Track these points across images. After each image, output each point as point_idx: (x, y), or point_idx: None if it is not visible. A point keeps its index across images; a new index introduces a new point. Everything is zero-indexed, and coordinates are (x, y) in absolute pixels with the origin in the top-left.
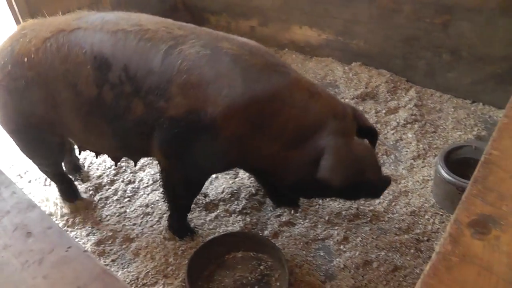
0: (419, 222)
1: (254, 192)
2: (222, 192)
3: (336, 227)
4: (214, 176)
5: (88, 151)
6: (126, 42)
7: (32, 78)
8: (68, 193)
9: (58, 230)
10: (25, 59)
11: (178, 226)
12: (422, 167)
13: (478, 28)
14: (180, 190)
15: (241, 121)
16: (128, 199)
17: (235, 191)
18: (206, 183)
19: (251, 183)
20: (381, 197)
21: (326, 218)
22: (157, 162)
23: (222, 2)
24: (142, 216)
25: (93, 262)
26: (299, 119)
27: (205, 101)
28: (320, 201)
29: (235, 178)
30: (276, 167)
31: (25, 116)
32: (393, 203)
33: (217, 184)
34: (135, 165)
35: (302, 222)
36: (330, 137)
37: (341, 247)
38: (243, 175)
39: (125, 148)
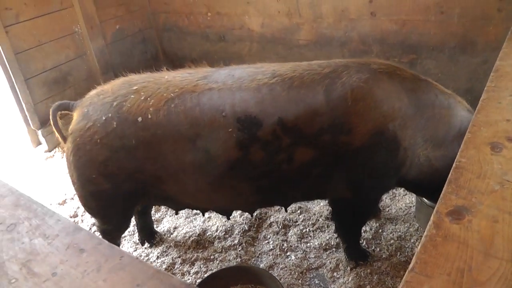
0: (406, 246)
1: (247, 228)
2: (217, 230)
3: (328, 256)
4: (207, 215)
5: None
6: (273, 95)
7: (144, 138)
8: None
9: (108, 245)
10: (139, 119)
11: (359, 252)
12: (403, 195)
13: (442, 65)
14: (363, 217)
15: (412, 129)
16: None
17: (228, 229)
18: (201, 223)
19: (243, 220)
20: (368, 225)
21: (317, 248)
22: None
23: (200, 50)
24: None
25: (147, 265)
26: (444, 117)
27: (385, 119)
28: (311, 233)
29: None
30: (425, 173)
31: (128, 172)
32: (380, 230)
33: (211, 223)
34: (286, 210)
35: (295, 254)
36: None
37: (335, 274)
38: (235, 213)
39: (270, 200)
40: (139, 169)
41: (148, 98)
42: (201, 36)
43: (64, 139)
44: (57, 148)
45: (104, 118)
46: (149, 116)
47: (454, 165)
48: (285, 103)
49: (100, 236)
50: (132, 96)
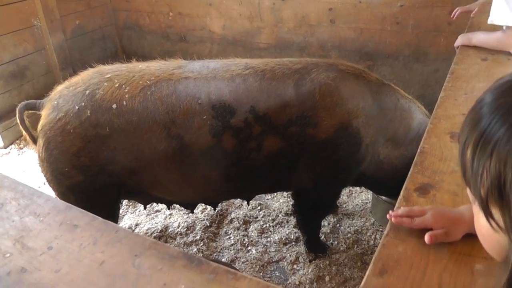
0: (363, 239)
1: (208, 224)
2: (178, 226)
3: (288, 250)
4: (168, 212)
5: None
6: (246, 85)
7: (119, 126)
8: None
9: (102, 221)
10: (114, 106)
11: (319, 245)
12: (360, 192)
13: (396, 71)
14: (323, 209)
15: (375, 128)
16: None
17: (190, 225)
18: (163, 219)
19: (204, 216)
20: (326, 220)
21: (277, 243)
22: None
23: (161, 49)
24: None
25: (143, 238)
26: (405, 119)
27: (349, 116)
28: (272, 228)
29: (188, 214)
30: (385, 170)
31: (100, 164)
32: (338, 224)
33: (173, 220)
34: (248, 204)
35: (256, 248)
36: None
37: (295, 266)
38: (196, 209)
39: (237, 190)
40: (112, 160)
41: (123, 86)
42: (161, 35)
43: (34, 139)
44: (13, 145)
45: (77, 107)
46: (124, 103)
47: (418, 150)
48: (257, 93)
49: None
50: (105, 84)
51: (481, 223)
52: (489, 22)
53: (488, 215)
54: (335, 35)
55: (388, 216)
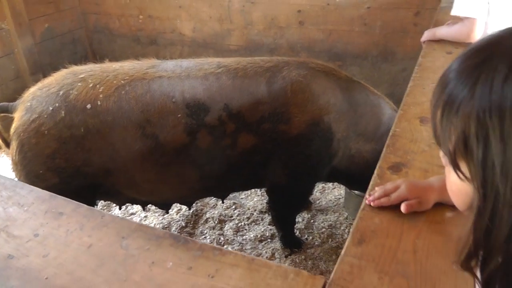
0: (337, 233)
1: (184, 224)
2: (154, 226)
3: (263, 247)
4: (143, 215)
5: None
6: (220, 83)
7: (94, 126)
8: None
9: (88, 208)
10: (89, 106)
11: (294, 240)
12: (332, 189)
13: (365, 71)
14: (297, 204)
15: (346, 123)
16: None
17: (165, 226)
18: (138, 221)
19: (180, 217)
20: (300, 216)
21: (253, 240)
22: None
23: (131, 52)
24: None
25: (129, 221)
26: (375, 115)
27: (321, 111)
28: (247, 226)
29: (164, 215)
30: (357, 164)
31: (75, 165)
32: (312, 220)
33: (148, 222)
34: (223, 202)
35: (232, 246)
36: None
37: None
38: (171, 210)
39: (212, 187)
40: (87, 161)
41: (97, 85)
42: (132, 39)
43: (6, 143)
44: None
45: (51, 108)
46: (99, 103)
47: (390, 134)
48: (231, 91)
49: None
50: (79, 84)
51: (451, 181)
52: (452, 13)
53: (456, 168)
54: (304, 37)
55: (366, 201)
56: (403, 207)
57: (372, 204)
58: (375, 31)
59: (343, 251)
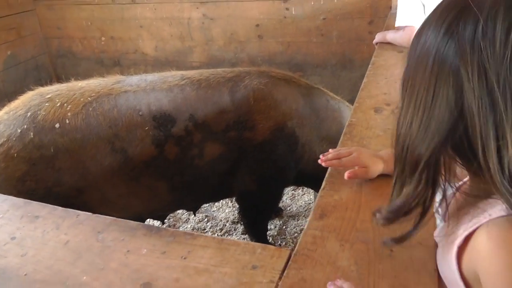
0: None
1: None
2: None
3: None
4: None
5: None
6: (184, 94)
7: (63, 145)
8: None
9: (63, 209)
10: (57, 125)
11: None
12: (302, 195)
13: (326, 80)
14: (268, 210)
15: (309, 128)
16: None
17: None
18: None
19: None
20: (272, 223)
21: None
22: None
23: (96, 75)
24: None
25: (104, 217)
26: (336, 119)
27: (284, 117)
28: (221, 231)
29: None
30: (322, 167)
31: (47, 186)
32: (284, 226)
33: None
34: (194, 214)
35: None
36: None
37: None
38: None
39: (183, 199)
40: (58, 181)
41: (65, 104)
42: (95, 61)
43: None
44: None
45: (19, 130)
46: (67, 121)
47: (347, 124)
48: (195, 102)
49: None
50: (46, 104)
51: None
52: (396, 25)
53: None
54: (264, 50)
55: (319, 161)
56: (346, 174)
57: (324, 164)
58: (332, 41)
59: (305, 226)
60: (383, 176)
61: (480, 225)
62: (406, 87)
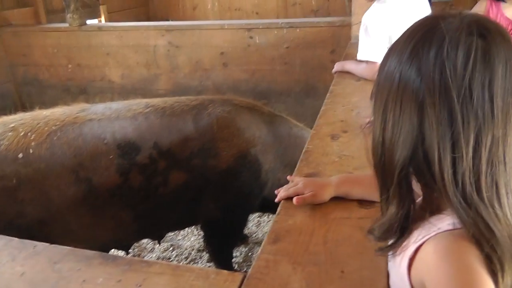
0: None
1: None
2: None
3: None
4: None
5: None
6: (149, 122)
7: (26, 175)
8: None
9: (19, 240)
10: (20, 155)
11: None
12: (268, 221)
13: (290, 107)
14: (233, 237)
15: (272, 155)
16: None
17: None
18: None
19: None
20: (238, 250)
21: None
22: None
23: (62, 103)
24: None
25: (62, 247)
26: (299, 146)
27: (247, 144)
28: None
29: None
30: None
31: (8, 219)
32: (249, 253)
33: None
34: (159, 243)
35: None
36: None
37: None
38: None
39: (148, 228)
40: (20, 213)
41: (29, 134)
42: (62, 89)
43: None
44: None
45: None
46: (31, 151)
47: (303, 150)
48: (159, 129)
49: None
50: (9, 133)
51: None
52: (358, 58)
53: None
54: (229, 77)
55: (276, 200)
56: (294, 200)
57: (276, 200)
58: (296, 69)
59: (259, 251)
60: (336, 199)
61: (429, 238)
62: (377, 104)
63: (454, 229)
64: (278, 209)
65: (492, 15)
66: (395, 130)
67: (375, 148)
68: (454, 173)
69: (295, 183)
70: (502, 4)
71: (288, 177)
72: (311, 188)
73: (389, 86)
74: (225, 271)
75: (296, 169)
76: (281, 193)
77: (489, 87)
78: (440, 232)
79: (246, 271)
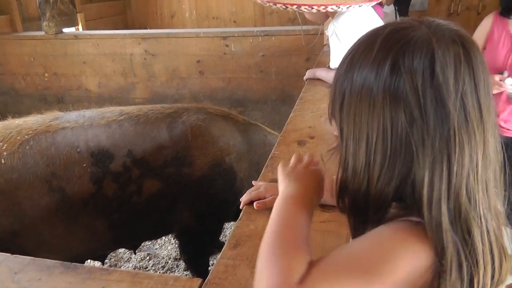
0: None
1: None
2: None
3: None
4: None
5: None
6: (122, 130)
7: None
8: None
9: None
10: None
11: None
12: None
13: (266, 115)
14: (208, 245)
15: (247, 163)
16: None
17: None
18: None
19: None
20: (215, 258)
21: None
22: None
23: (38, 113)
24: None
25: (23, 257)
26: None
27: (222, 153)
28: (163, 269)
29: None
30: None
31: None
32: None
33: None
34: (135, 253)
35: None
36: None
37: None
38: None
39: (122, 237)
40: None
41: (0, 143)
42: (38, 98)
43: None
44: None
45: None
46: (3, 161)
47: (270, 156)
48: (133, 137)
49: None
50: None
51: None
52: (331, 66)
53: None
54: (205, 86)
55: (240, 207)
56: (255, 205)
57: (240, 206)
58: (272, 77)
59: (219, 256)
60: None
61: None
62: (353, 122)
63: (418, 222)
64: (241, 214)
65: (497, 32)
66: (380, 146)
67: (354, 174)
68: (431, 190)
69: (257, 187)
70: (509, 21)
71: (253, 182)
72: (273, 192)
73: (372, 102)
74: (184, 277)
75: (261, 174)
76: (243, 197)
77: (476, 94)
78: (403, 219)
79: (204, 278)
